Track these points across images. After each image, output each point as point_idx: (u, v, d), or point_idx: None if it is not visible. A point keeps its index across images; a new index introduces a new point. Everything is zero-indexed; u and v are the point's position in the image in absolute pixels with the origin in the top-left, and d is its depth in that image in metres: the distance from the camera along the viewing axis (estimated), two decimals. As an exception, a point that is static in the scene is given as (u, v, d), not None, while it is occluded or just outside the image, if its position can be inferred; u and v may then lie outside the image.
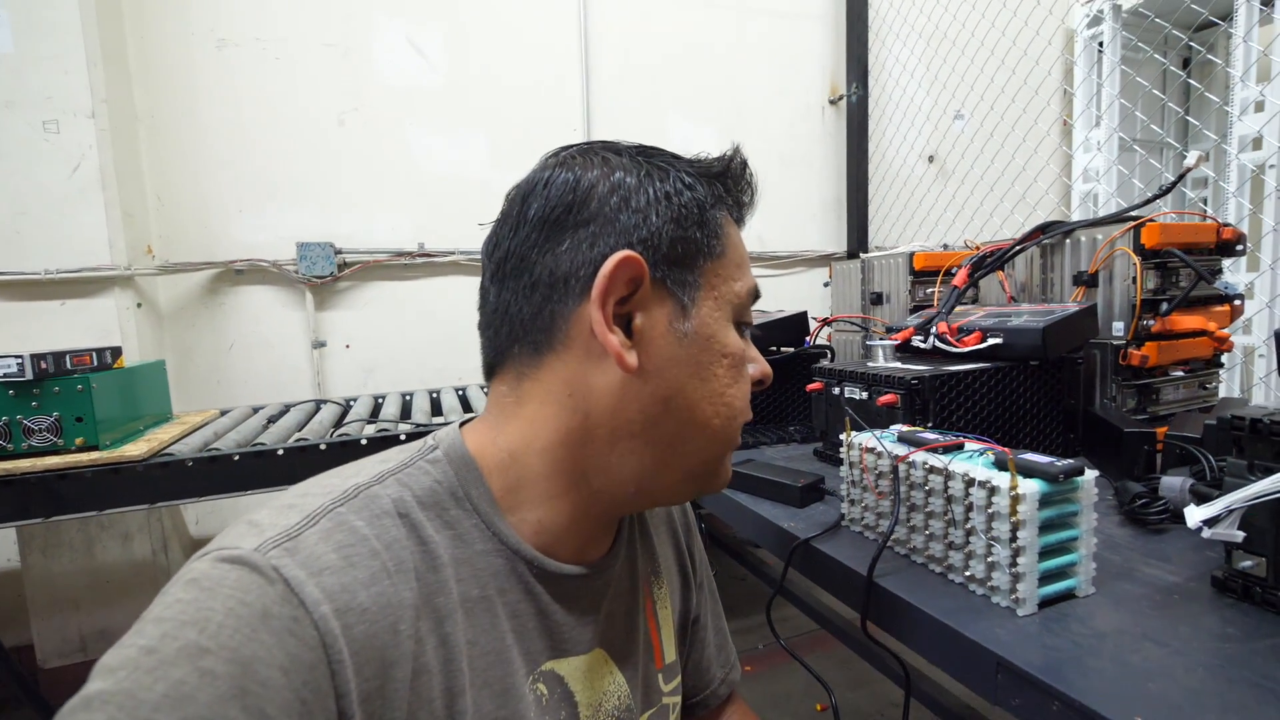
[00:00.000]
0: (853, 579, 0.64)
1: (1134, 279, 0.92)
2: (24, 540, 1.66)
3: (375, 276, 2.12)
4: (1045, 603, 0.54)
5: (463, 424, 0.49)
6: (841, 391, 0.93)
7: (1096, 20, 2.63)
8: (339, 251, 2.04)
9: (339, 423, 1.53)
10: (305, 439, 1.30)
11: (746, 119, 2.56)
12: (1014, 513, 0.52)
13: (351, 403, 1.78)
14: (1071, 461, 0.53)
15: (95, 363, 1.24)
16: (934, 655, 0.55)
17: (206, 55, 1.91)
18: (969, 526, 0.57)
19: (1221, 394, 1.07)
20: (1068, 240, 1.05)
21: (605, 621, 0.51)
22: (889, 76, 2.69)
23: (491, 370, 0.49)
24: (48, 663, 1.70)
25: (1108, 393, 0.97)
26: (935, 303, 1.20)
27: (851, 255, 2.67)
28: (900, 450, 0.64)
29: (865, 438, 0.70)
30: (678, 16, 2.43)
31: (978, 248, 1.19)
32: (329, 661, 0.34)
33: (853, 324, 1.40)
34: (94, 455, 1.15)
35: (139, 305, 1.79)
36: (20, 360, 1.10)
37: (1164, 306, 0.94)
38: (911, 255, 1.29)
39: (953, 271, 1.15)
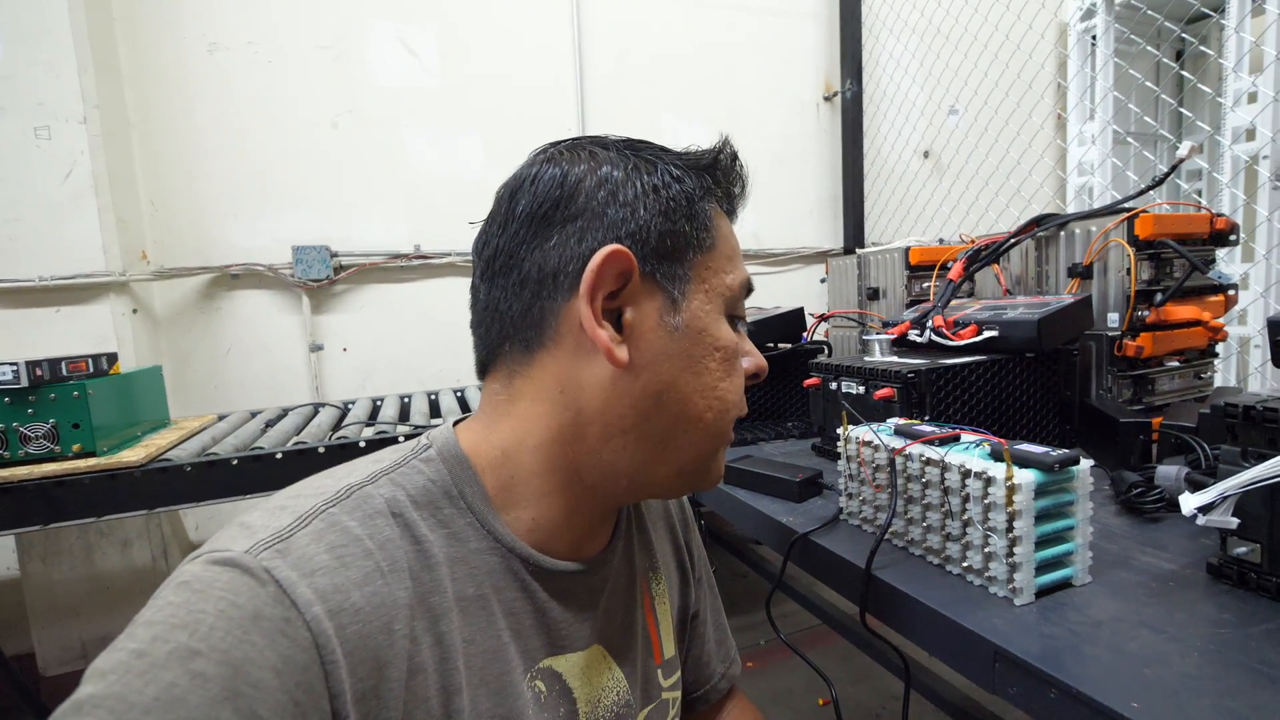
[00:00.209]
0: (851, 572, 0.64)
1: (1128, 270, 0.92)
2: (23, 548, 1.66)
3: (372, 279, 2.12)
4: (1042, 592, 0.54)
5: (456, 423, 0.49)
6: (838, 386, 0.93)
7: (1089, 13, 2.63)
8: (335, 254, 2.03)
9: (337, 426, 1.53)
10: (304, 442, 1.30)
11: (741, 117, 2.56)
12: (1010, 503, 0.52)
13: (350, 405, 1.78)
14: (1067, 451, 0.53)
15: (91, 369, 1.23)
16: (932, 646, 0.55)
17: (198, 59, 1.90)
18: (966, 517, 0.57)
19: (1217, 384, 1.07)
20: (1062, 233, 1.05)
21: (603, 618, 0.51)
22: (883, 72, 2.69)
23: (484, 368, 0.49)
24: (49, 670, 1.70)
25: (1103, 384, 0.97)
26: (931, 297, 1.20)
27: (847, 251, 2.67)
28: (897, 443, 0.64)
29: (862, 431, 0.70)
30: (671, 16, 2.43)
31: (973, 241, 1.19)
32: (322, 662, 0.34)
33: (849, 319, 1.40)
34: (91, 461, 1.15)
35: (134, 311, 1.79)
36: (16, 367, 1.09)
37: (1158, 297, 0.94)
38: (907, 250, 1.29)
39: (948, 265, 1.15)
